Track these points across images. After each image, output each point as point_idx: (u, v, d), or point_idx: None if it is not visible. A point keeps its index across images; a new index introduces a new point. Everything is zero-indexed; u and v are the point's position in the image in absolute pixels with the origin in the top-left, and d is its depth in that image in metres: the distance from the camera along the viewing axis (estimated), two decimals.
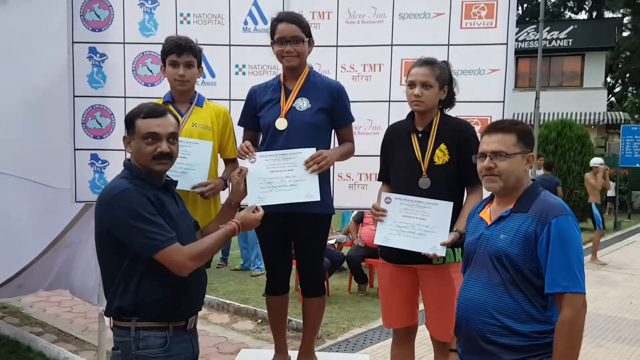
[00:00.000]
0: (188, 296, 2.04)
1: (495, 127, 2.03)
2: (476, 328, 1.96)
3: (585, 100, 19.62)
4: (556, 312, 1.87)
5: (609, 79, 25.10)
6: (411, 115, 2.65)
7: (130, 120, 2.06)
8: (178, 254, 1.93)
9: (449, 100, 2.64)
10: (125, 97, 3.35)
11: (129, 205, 1.91)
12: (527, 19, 26.36)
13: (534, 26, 19.65)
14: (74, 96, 3.34)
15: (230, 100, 3.33)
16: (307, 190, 2.50)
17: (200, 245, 2.02)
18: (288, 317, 2.98)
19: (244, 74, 3.36)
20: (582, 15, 30.28)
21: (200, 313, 2.92)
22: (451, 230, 2.46)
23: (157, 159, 2.03)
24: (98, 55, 3.34)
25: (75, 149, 3.33)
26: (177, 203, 2.14)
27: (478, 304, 1.97)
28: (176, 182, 2.22)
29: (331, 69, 3.22)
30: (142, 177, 2.03)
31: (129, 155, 2.14)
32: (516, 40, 18.89)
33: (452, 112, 2.71)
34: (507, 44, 3.16)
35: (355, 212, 7.34)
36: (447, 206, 2.46)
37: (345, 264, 7.08)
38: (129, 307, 1.95)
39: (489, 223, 2.03)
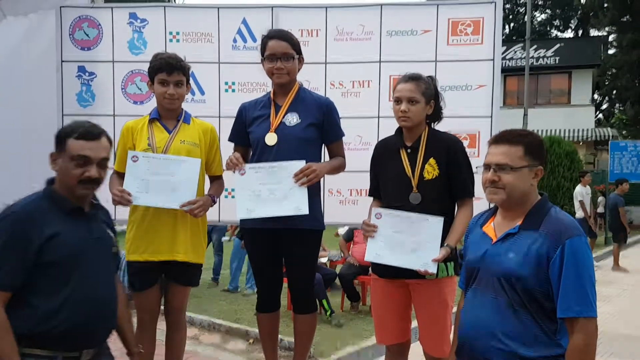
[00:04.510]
0: (80, 328, 1.90)
1: (503, 138, 1.95)
2: (481, 350, 1.88)
3: (573, 117, 19.83)
4: (565, 336, 1.79)
5: (596, 96, 25.44)
6: (399, 130, 2.66)
7: (62, 138, 1.96)
8: None
9: (436, 115, 2.65)
10: (114, 115, 3.36)
11: (3, 226, 1.85)
12: (514, 37, 26.77)
13: (521, 44, 19.93)
14: (63, 115, 3.34)
15: (219, 117, 3.34)
16: (296, 203, 2.50)
17: (3, 323, 1.82)
18: (280, 336, 2.94)
19: (233, 91, 3.38)
20: (568, 34, 30.83)
21: (191, 333, 2.87)
22: (442, 245, 2.45)
23: (83, 184, 1.94)
24: (87, 73, 3.36)
25: None
26: (92, 229, 2.01)
27: (483, 325, 1.88)
28: (99, 206, 2.11)
29: (320, 86, 3.25)
30: (53, 198, 1.95)
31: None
32: (504, 58, 19.26)
33: (440, 128, 2.72)
34: (493, 59, 3.21)
35: (345, 230, 7.33)
36: (437, 222, 2.44)
37: (337, 282, 7.03)
38: (16, 331, 1.84)
39: (494, 239, 1.93)
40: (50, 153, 1.99)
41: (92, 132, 1.97)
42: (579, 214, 10.11)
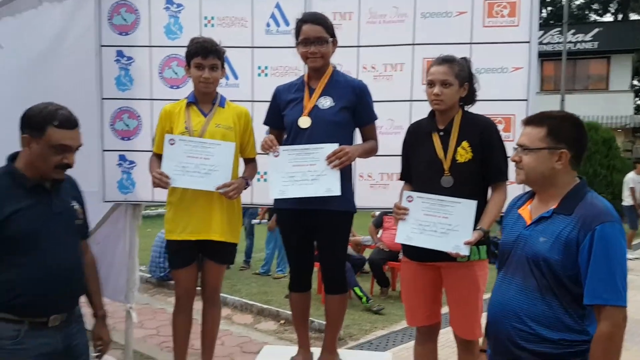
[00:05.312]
0: (42, 298, 2.02)
1: (528, 119, 1.96)
2: (506, 332, 1.89)
3: (611, 103, 19.28)
4: (594, 323, 1.78)
5: (635, 82, 24.59)
6: (432, 113, 2.65)
7: (40, 124, 2.00)
8: None
9: (470, 97, 2.62)
10: (151, 100, 3.43)
11: None
12: (552, 21, 26.03)
13: (559, 29, 19.39)
14: (102, 98, 3.43)
15: (252, 101, 3.37)
16: (328, 185, 2.53)
17: None
18: (310, 318, 2.99)
19: (266, 75, 3.41)
20: (608, 18, 29.79)
21: (224, 313, 2.96)
22: (475, 228, 2.44)
23: (60, 169, 2.05)
24: (125, 58, 3.43)
25: (103, 150, 3.43)
26: (53, 203, 2.10)
27: (510, 308, 1.89)
28: (67, 180, 2.17)
29: (352, 69, 3.23)
30: (13, 175, 2.04)
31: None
32: (541, 43, 18.79)
33: (474, 111, 2.69)
34: (530, 42, 3.14)
35: (375, 216, 7.36)
36: (470, 205, 2.43)
37: (367, 267, 7.08)
38: None
39: (528, 222, 1.93)
40: (22, 136, 2.03)
41: (71, 121, 2.04)
42: (628, 201, 9.80)
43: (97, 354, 2.36)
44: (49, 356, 2.07)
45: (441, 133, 2.57)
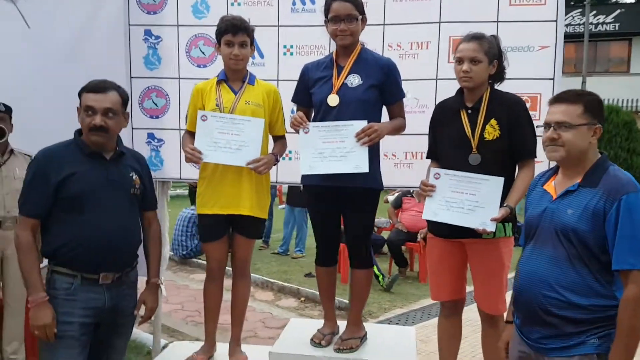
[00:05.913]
0: (89, 255, 2.23)
1: (560, 98, 2.01)
2: (537, 300, 1.96)
3: (632, 86, 18.92)
4: (621, 288, 1.86)
5: None
6: (460, 91, 2.66)
7: (79, 93, 2.31)
8: (20, 224, 2.27)
9: (499, 75, 2.63)
10: (179, 78, 3.49)
11: (32, 165, 2.29)
12: (573, 2, 25.52)
13: (580, 10, 19.02)
14: (131, 77, 3.49)
15: (278, 80, 3.41)
16: (357, 162, 2.57)
17: (28, 243, 2.23)
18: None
19: (291, 54, 3.43)
20: None
21: None
22: (502, 205, 2.47)
23: (92, 131, 2.26)
24: (153, 37, 3.48)
25: (132, 128, 3.50)
26: (110, 172, 2.32)
27: (540, 277, 1.96)
28: (130, 154, 2.46)
29: (378, 48, 3.24)
30: (77, 144, 2.31)
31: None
32: None
33: (501, 89, 2.70)
34: (556, 20, 3.14)
35: (393, 198, 7.39)
36: (497, 182, 2.46)
37: (385, 248, 7.15)
38: (46, 251, 2.27)
39: (554, 197, 2.00)
40: (77, 106, 2.33)
41: (99, 86, 2.29)
42: None
43: (140, 318, 2.51)
44: (97, 310, 2.26)
45: (469, 111, 2.59)
